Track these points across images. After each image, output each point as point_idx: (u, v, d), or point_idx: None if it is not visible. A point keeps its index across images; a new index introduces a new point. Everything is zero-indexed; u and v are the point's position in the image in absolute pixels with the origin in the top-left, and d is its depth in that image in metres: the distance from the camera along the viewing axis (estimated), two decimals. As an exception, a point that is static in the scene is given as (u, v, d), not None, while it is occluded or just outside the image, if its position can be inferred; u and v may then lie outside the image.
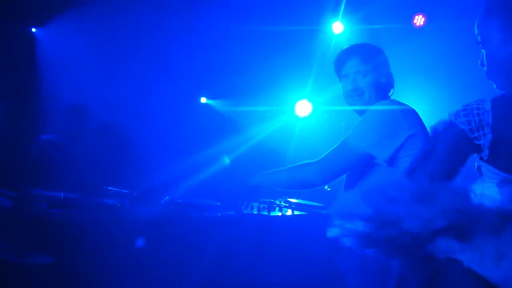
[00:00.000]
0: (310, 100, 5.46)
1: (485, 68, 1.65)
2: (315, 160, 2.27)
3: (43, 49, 4.73)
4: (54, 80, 4.47)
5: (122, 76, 4.95)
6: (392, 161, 2.13)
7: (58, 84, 4.39)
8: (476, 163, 1.58)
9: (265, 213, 3.25)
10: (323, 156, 2.25)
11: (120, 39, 4.92)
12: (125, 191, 2.91)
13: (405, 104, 2.31)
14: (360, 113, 2.34)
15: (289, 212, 3.43)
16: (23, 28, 4.74)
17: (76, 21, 4.68)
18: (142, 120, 4.78)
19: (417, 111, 2.30)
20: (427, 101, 4.00)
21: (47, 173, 2.93)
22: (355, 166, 2.23)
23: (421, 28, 4.77)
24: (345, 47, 2.53)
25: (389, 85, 2.40)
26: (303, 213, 3.51)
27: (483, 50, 1.64)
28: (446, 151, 1.57)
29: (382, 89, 2.36)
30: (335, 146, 2.24)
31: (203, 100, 6.08)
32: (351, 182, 2.29)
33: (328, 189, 4.11)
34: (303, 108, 5.53)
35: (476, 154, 1.56)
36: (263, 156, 4.40)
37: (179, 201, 2.94)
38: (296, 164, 2.35)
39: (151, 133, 4.78)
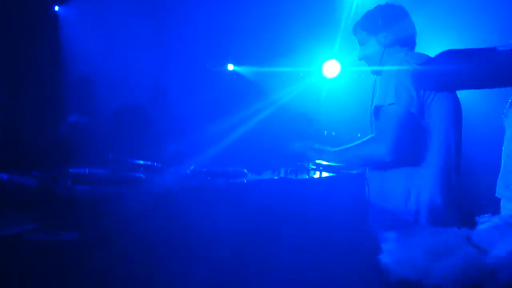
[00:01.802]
0: (338, 60, 5.31)
1: None
2: (370, 136, 2.28)
3: (66, 27, 4.76)
4: (79, 57, 4.51)
5: (148, 47, 4.96)
6: (422, 113, 2.15)
7: (83, 61, 4.43)
8: None
9: (292, 176, 3.23)
10: (374, 133, 2.25)
11: (143, 10, 4.91)
12: (149, 163, 2.93)
13: (420, 53, 2.31)
14: (377, 73, 2.34)
15: (317, 175, 3.38)
16: (46, 6, 4.78)
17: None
18: (168, 91, 4.79)
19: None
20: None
21: (73, 153, 2.98)
22: (409, 128, 2.17)
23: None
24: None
25: (404, 39, 2.35)
26: (331, 174, 3.46)
27: None
28: None
29: (397, 44, 2.34)
30: (379, 120, 2.23)
31: (230, 67, 6.01)
32: None
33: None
34: (331, 68, 5.38)
35: None
36: (291, 118, 4.34)
37: (204, 169, 2.94)
38: (360, 141, 2.32)
39: (178, 102, 4.78)
